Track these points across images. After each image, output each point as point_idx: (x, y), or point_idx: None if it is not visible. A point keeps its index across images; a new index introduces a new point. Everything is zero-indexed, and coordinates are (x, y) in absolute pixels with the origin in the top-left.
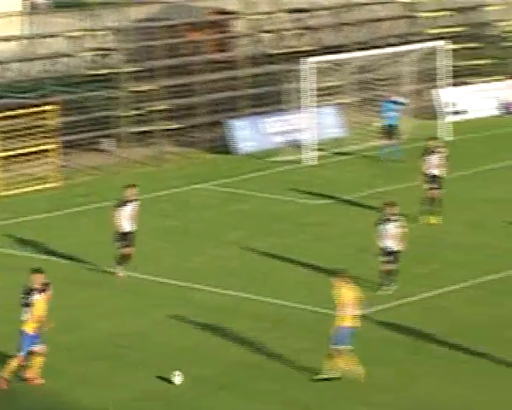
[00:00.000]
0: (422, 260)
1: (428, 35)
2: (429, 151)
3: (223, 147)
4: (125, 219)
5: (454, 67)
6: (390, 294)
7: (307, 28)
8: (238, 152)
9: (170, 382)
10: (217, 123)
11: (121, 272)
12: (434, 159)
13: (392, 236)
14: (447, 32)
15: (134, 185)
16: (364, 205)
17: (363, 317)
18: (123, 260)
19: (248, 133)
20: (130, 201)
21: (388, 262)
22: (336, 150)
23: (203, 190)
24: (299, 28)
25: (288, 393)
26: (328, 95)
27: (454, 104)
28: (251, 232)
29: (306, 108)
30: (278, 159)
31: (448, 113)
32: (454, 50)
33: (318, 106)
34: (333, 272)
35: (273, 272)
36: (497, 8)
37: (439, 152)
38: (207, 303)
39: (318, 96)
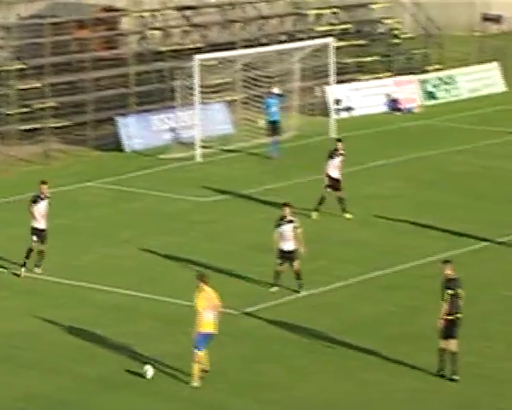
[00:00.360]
0: (310, 256)
1: (316, 32)
2: (334, 153)
3: (112, 144)
4: (41, 215)
5: (342, 64)
6: (276, 292)
7: (195, 26)
8: (127, 149)
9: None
10: (106, 120)
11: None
12: (336, 161)
13: (289, 237)
14: (334, 30)
15: (46, 182)
16: (254, 202)
17: (251, 315)
18: (40, 257)
19: (137, 130)
20: (45, 197)
21: (281, 264)
22: (225, 147)
23: (92, 188)
24: (186, 26)
25: (184, 391)
26: (217, 92)
27: (342, 101)
28: (143, 231)
29: (195, 105)
30: (167, 156)
31: (336, 110)
32: (341, 48)
33: (207, 103)
34: (197, 275)
35: (167, 271)
36: (382, 5)
37: (341, 155)
38: (100, 302)
39: (207, 93)
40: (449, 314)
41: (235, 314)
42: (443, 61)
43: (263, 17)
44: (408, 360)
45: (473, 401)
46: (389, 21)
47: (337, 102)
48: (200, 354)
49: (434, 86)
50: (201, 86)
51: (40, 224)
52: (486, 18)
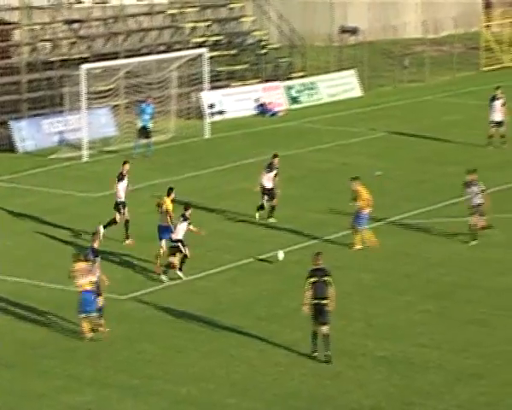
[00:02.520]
0: (190, 245)
1: (191, 44)
2: (271, 166)
3: (6, 146)
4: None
5: (215, 72)
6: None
7: (81, 37)
8: (20, 150)
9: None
10: (0, 124)
11: None
12: (272, 174)
13: (182, 231)
14: (208, 41)
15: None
16: (138, 197)
17: (135, 299)
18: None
19: (29, 133)
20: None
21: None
22: (110, 148)
23: None
24: (74, 37)
25: (71, 370)
26: (102, 98)
27: (215, 105)
28: (34, 224)
29: (82, 110)
30: (57, 156)
31: (210, 113)
32: (214, 57)
33: (93, 108)
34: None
35: (56, 260)
36: (251, 19)
37: (276, 169)
38: None
39: (93, 98)
40: (314, 299)
41: (121, 299)
42: (306, 68)
43: (143, 30)
44: (274, 339)
45: (334, 372)
46: (257, 33)
47: (211, 106)
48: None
49: (298, 92)
50: (88, 93)
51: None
52: (344, 30)
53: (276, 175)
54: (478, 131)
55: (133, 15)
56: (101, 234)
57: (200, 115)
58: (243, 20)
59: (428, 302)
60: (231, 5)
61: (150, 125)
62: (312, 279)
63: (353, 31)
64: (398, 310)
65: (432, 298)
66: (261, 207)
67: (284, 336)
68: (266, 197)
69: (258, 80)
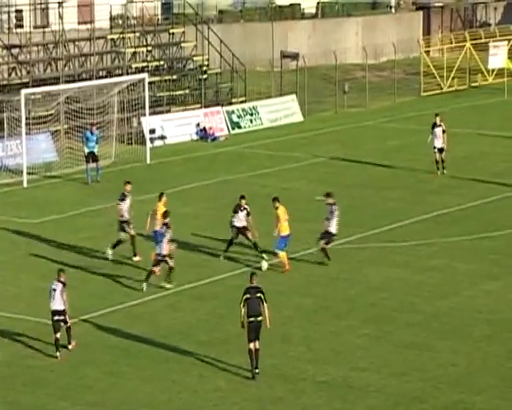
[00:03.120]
0: (131, 272)
1: (132, 69)
2: (238, 208)
3: None
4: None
5: (156, 97)
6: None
7: (21, 63)
8: None
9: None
10: None
11: None
12: (241, 214)
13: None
14: (149, 66)
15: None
16: (78, 222)
17: (76, 324)
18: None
19: None
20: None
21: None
22: (50, 173)
23: None
24: (13, 63)
25: (9, 397)
26: (42, 123)
27: (156, 131)
28: None
29: (21, 136)
30: None
31: (151, 139)
32: (155, 82)
33: (33, 133)
34: None
35: None
36: (192, 44)
37: (245, 209)
38: None
39: (33, 124)
40: (249, 317)
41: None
42: (247, 94)
43: (84, 55)
44: (215, 364)
45: (275, 397)
46: (198, 58)
47: (152, 131)
48: None
49: (239, 117)
50: (28, 118)
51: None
52: (285, 55)
53: (248, 214)
54: (418, 156)
55: (73, 40)
56: (110, 255)
57: (141, 141)
58: (184, 45)
59: (369, 326)
60: (172, 30)
61: (96, 150)
62: (246, 296)
63: (294, 56)
64: (339, 334)
65: (372, 322)
66: (230, 243)
67: (225, 362)
68: (240, 235)
69: (199, 105)
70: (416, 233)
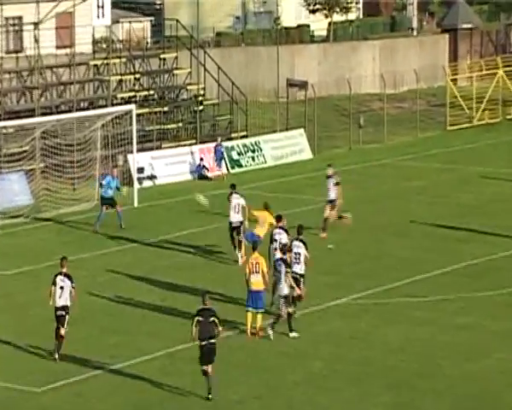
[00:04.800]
0: (111, 330)
1: (118, 99)
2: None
3: None
4: None
5: (144, 131)
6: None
7: None
8: None
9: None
10: None
11: None
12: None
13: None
14: (136, 96)
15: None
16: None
17: (53, 390)
18: None
19: None
20: None
21: None
22: (24, 219)
23: None
24: None
25: None
26: (15, 161)
27: (145, 170)
28: None
29: None
30: None
31: (139, 179)
32: (144, 115)
33: (5, 172)
34: None
35: None
36: (186, 71)
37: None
38: None
39: (4, 162)
40: (201, 340)
41: (37, 391)
42: (248, 127)
43: (62, 83)
44: None
45: None
46: (193, 87)
47: (140, 170)
48: None
49: (239, 154)
50: None
51: None
52: (291, 84)
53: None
54: (442, 198)
55: (51, 67)
56: None
57: (127, 181)
58: (177, 72)
59: (387, 393)
60: (163, 56)
61: (112, 195)
62: (198, 318)
63: (302, 85)
64: (352, 402)
65: (391, 389)
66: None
67: None
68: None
69: (193, 141)
70: (441, 286)
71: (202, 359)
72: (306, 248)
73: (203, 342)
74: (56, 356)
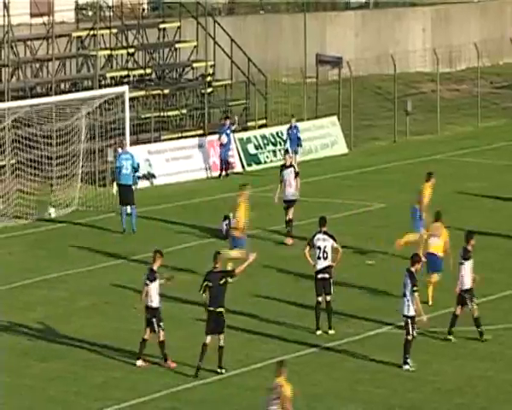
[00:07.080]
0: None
1: (107, 79)
2: None
3: None
4: None
5: (140, 119)
6: None
7: None
8: None
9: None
10: None
11: None
12: None
13: None
14: (130, 76)
15: None
16: (29, 295)
17: None
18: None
19: None
20: None
21: None
22: None
23: None
24: None
25: None
26: None
27: (140, 167)
28: None
29: None
30: None
31: (133, 178)
32: (139, 98)
33: None
34: None
35: None
36: (192, 44)
37: None
38: None
39: None
40: (209, 306)
41: None
42: (268, 115)
43: (39, 60)
44: None
45: None
46: (200, 65)
47: (134, 168)
48: None
49: (257, 147)
50: None
51: None
52: (322, 61)
53: None
54: (509, 204)
55: (24, 40)
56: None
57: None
58: (180, 46)
59: None
60: (163, 25)
61: (131, 182)
62: (206, 283)
63: (335, 62)
64: None
65: None
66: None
67: None
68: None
69: (200, 132)
70: (507, 313)
71: (207, 327)
72: (335, 240)
73: (210, 308)
74: None
